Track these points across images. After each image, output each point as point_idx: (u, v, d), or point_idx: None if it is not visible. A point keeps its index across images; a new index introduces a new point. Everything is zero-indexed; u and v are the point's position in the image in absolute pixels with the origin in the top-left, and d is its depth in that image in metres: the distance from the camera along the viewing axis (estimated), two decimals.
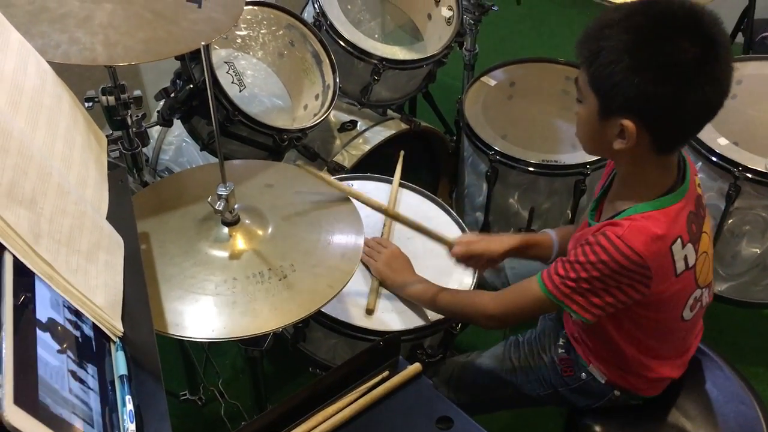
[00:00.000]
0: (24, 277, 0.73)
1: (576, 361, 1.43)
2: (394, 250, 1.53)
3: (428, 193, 1.74)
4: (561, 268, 1.21)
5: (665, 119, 1.12)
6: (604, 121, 1.15)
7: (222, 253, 1.22)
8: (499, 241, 1.49)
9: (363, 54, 1.92)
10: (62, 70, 1.04)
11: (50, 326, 0.74)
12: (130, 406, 0.79)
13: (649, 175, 1.20)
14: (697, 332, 1.43)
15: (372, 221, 1.62)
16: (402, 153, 1.79)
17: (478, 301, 1.38)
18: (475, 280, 1.53)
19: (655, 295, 1.20)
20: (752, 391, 1.43)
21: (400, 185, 1.74)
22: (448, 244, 1.50)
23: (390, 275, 1.49)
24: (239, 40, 1.89)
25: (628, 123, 1.11)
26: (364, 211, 1.35)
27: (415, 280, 1.48)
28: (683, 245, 1.19)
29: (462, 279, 1.54)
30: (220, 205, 1.19)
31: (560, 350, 1.46)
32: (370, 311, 1.46)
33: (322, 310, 1.37)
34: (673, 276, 1.21)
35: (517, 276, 1.66)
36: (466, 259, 1.50)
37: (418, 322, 1.46)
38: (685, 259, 1.21)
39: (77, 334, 0.79)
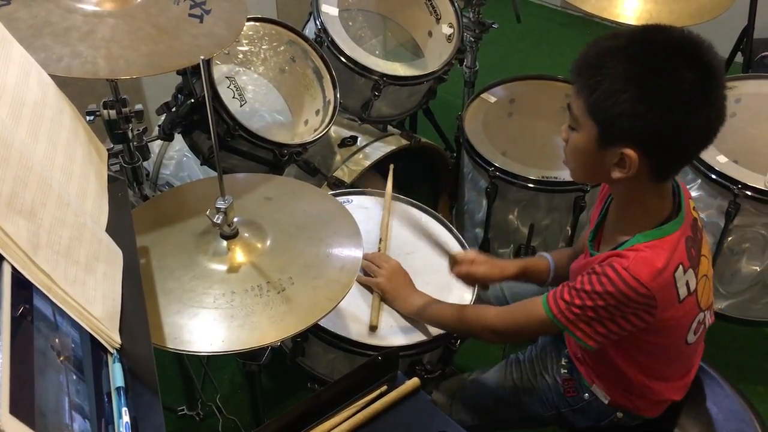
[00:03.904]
0: (22, 288, 0.73)
1: (579, 382, 1.42)
2: (395, 265, 1.53)
3: (428, 208, 1.74)
4: (567, 294, 1.20)
5: (667, 147, 1.12)
6: (602, 150, 1.14)
7: (220, 267, 1.21)
8: (500, 269, 1.52)
9: (364, 70, 1.93)
10: (64, 85, 1.05)
11: (48, 337, 0.74)
12: (126, 418, 0.78)
13: (648, 203, 1.20)
14: (699, 353, 1.43)
15: (369, 237, 1.62)
16: (392, 166, 1.79)
17: (482, 314, 1.38)
18: (474, 297, 1.53)
19: (660, 322, 1.20)
20: (752, 409, 1.42)
21: (401, 201, 1.75)
22: (451, 259, 1.52)
23: (392, 291, 1.49)
24: (241, 56, 1.91)
25: (630, 152, 1.10)
26: (360, 225, 1.35)
27: (417, 295, 1.48)
28: (684, 271, 1.19)
29: (462, 295, 1.53)
30: (218, 219, 1.19)
31: (563, 370, 1.45)
32: (373, 328, 1.45)
33: (321, 324, 1.37)
34: (677, 302, 1.20)
35: (515, 296, 1.66)
36: (464, 278, 1.53)
37: (418, 337, 1.45)
38: (687, 284, 1.21)
39: (75, 345, 0.79)
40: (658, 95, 1.07)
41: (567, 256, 1.49)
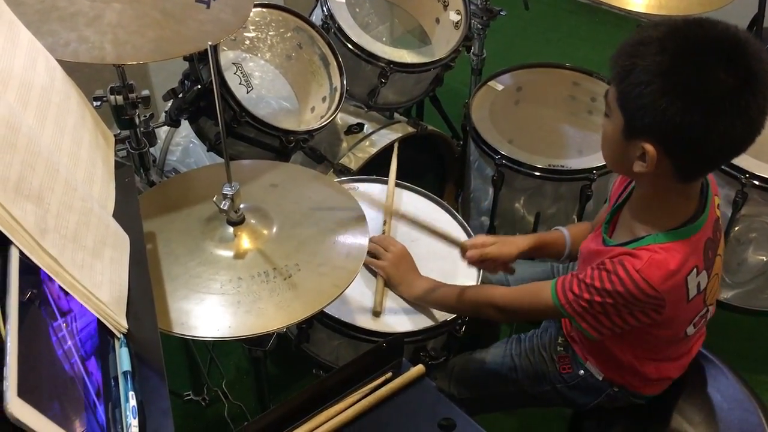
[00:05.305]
0: (30, 273, 0.74)
1: (573, 358, 1.44)
2: (401, 249, 1.53)
3: (434, 196, 1.74)
4: (576, 287, 1.20)
5: (689, 149, 1.07)
6: (627, 141, 1.11)
7: (227, 253, 1.22)
8: (513, 245, 1.49)
9: (370, 57, 1.92)
10: (72, 71, 1.05)
11: (56, 321, 0.74)
12: (133, 402, 0.79)
13: (671, 202, 1.17)
14: (699, 339, 1.43)
15: (375, 224, 1.62)
16: (396, 144, 1.78)
17: (487, 293, 1.39)
18: (479, 282, 1.53)
19: (664, 319, 1.20)
20: (757, 399, 1.42)
21: (407, 188, 1.75)
22: (461, 247, 1.51)
23: (397, 276, 1.49)
24: (247, 42, 1.90)
25: (649, 147, 1.07)
26: (366, 212, 1.35)
27: (422, 280, 1.48)
28: (698, 273, 1.18)
29: (466, 281, 1.53)
30: (225, 205, 1.19)
31: (559, 348, 1.46)
32: (377, 313, 1.46)
33: (326, 311, 1.37)
34: (685, 302, 1.20)
35: (518, 281, 1.66)
36: (480, 262, 1.50)
37: (423, 323, 1.46)
38: (698, 285, 1.20)
39: (82, 330, 0.79)
40: (683, 93, 1.02)
41: (585, 232, 1.47)
